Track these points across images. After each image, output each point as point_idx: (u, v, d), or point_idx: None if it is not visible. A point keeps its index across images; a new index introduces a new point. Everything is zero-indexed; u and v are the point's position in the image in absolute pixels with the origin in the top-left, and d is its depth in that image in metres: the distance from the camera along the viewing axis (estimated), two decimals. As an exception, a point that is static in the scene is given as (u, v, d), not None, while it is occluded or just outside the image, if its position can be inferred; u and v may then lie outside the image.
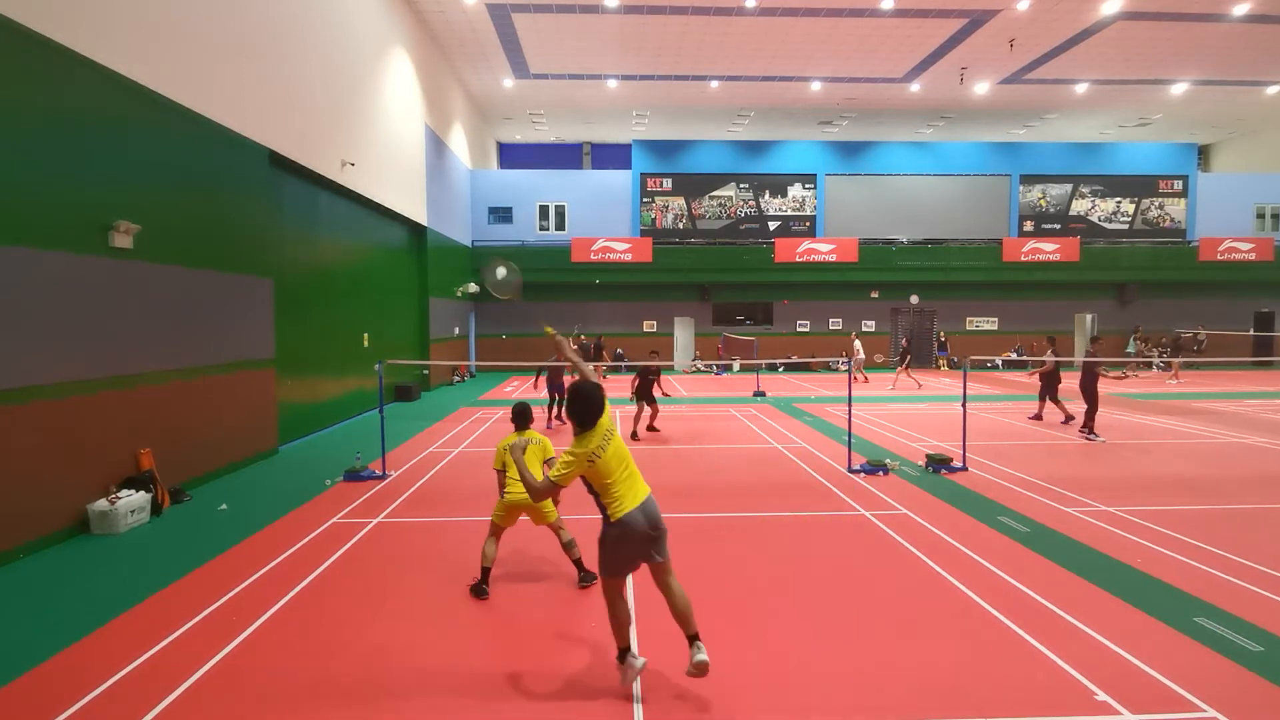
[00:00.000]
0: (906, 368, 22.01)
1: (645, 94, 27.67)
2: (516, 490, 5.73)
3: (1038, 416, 14.83)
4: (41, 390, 7.01)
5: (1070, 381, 14.49)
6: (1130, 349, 27.32)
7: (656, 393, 13.95)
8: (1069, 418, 14.22)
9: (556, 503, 6.02)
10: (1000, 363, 14.27)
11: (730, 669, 4.52)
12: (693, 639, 4.21)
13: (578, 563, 5.86)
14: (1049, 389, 14.60)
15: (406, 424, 14.53)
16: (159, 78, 8.84)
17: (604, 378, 23.92)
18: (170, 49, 9.13)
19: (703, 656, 4.13)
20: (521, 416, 6.17)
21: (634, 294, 29.72)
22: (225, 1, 10.44)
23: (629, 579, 4.62)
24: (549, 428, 14.07)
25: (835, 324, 30.57)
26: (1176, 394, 19.94)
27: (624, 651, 4.31)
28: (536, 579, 6.11)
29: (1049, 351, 14.79)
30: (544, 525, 5.98)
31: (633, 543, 4.22)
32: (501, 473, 5.86)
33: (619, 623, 4.32)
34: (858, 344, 23.99)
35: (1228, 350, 28.78)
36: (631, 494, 4.25)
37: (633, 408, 14.09)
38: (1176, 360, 24.46)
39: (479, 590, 5.68)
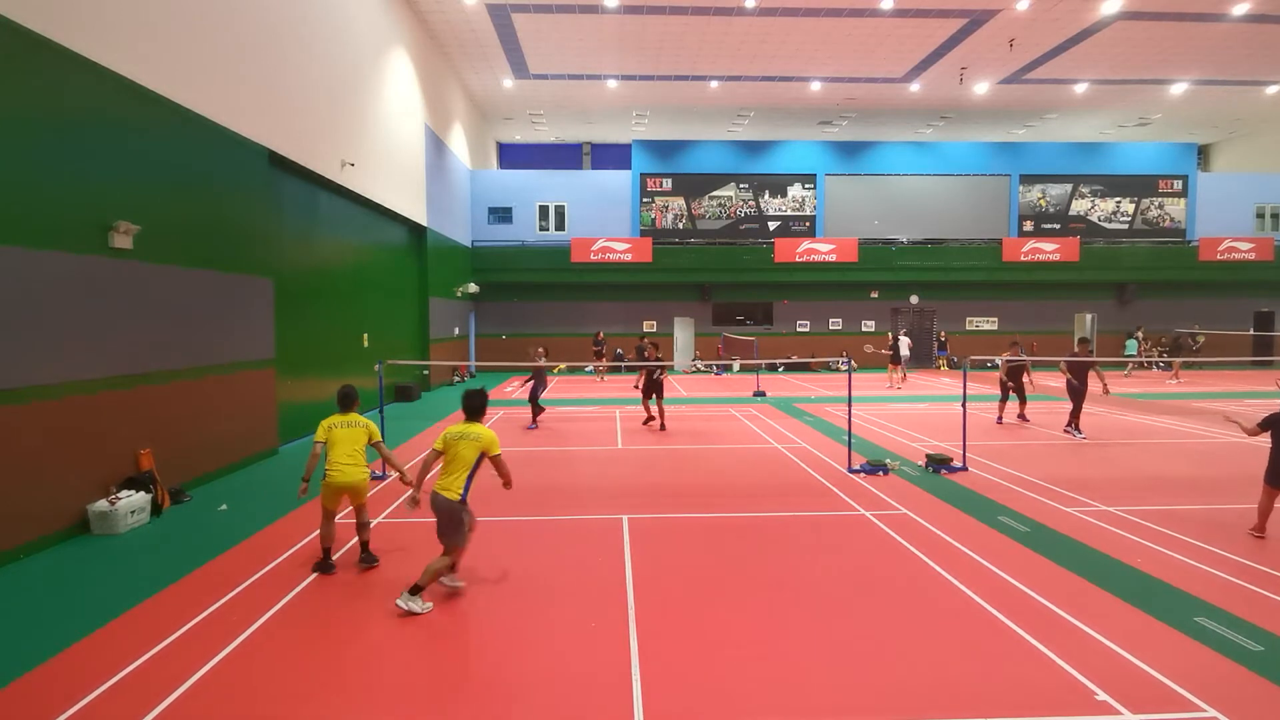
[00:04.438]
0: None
1: (645, 94, 27.66)
2: (334, 472, 6.19)
3: (1021, 416, 14.87)
4: (42, 390, 7.02)
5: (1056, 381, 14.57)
6: (1132, 349, 27.30)
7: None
8: (999, 418, 14.65)
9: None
10: (999, 361, 14.24)
11: (730, 668, 4.53)
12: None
13: (364, 545, 6.44)
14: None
15: (407, 424, 14.53)
16: (159, 78, 8.84)
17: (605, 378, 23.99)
18: (170, 49, 9.13)
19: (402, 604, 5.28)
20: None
21: (634, 294, 29.72)
22: (225, 1, 10.44)
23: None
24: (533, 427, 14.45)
25: (835, 324, 30.58)
26: (1176, 394, 19.94)
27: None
28: (538, 582, 6.11)
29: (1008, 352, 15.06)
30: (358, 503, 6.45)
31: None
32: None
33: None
34: (904, 342, 24.04)
35: (1228, 350, 28.76)
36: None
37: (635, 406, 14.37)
38: (1177, 360, 24.47)
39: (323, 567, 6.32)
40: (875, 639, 4.93)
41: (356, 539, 6.54)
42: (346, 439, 6.24)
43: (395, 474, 6.44)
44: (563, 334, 28.97)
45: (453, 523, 5.50)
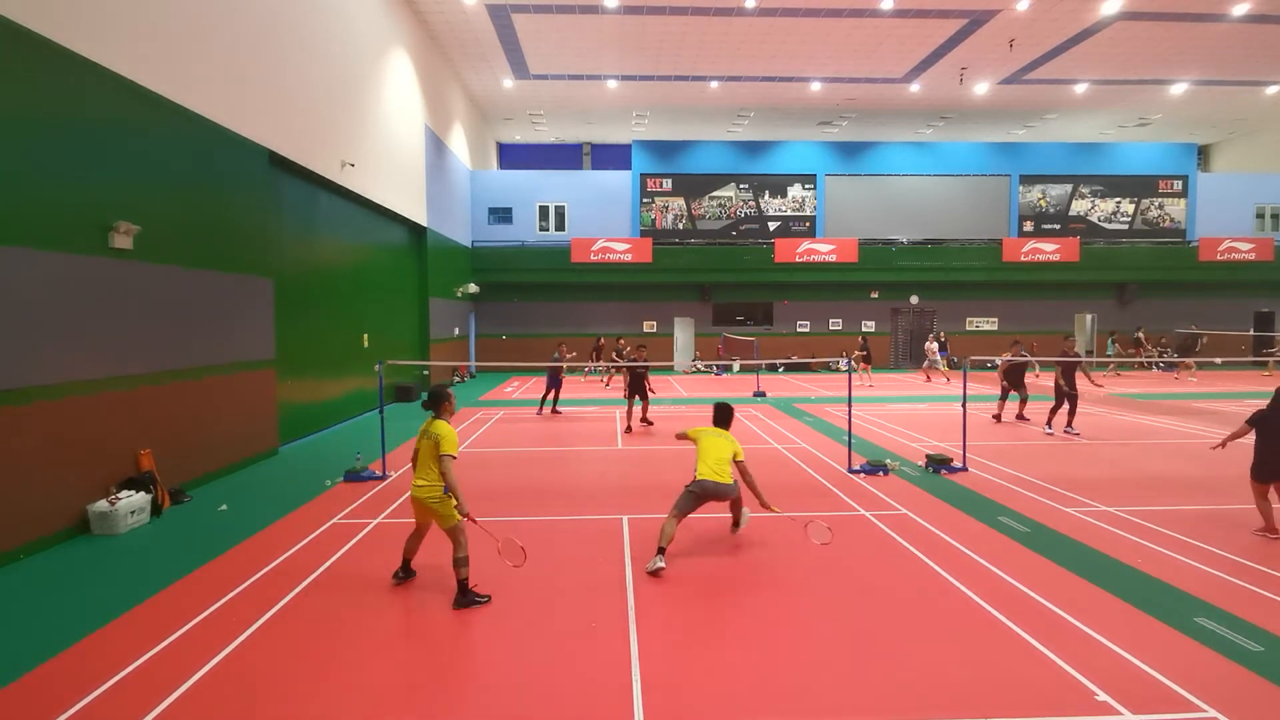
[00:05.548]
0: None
1: (645, 94, 27.67)
2: (416, 484, 5.70)
3: (1021, 416, 14.88)
4: (42, 390, 7.02)
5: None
6: (1110, 350, 27.23)
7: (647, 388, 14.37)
8: (998, 416, 14.75)
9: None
10: (998, 361, 14.35)
11: (730, 669, 4.53)
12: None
13: (462, 583, 5.56)
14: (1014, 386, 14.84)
15: (407, 424, 14.49)
16: (159, 78, 8.84)
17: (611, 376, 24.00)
18: (170, 50, 9.13)
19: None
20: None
21: (634, 294, 29.73)
22: (226, 2, 10.45)
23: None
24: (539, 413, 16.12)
25: (835, 324, 30.58)
26: (1176, 394, 19.94)
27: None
28: (538, 582, 6.11)
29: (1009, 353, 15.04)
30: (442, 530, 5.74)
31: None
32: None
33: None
34: (933, 346, 24.21)
35: (1229, 350, 28.73)
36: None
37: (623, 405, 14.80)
38: (1189, 360, 24.49)
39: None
40: (875, 639, 4.93)
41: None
42: (422, 451, 5.77)
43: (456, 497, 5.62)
44: (563, 334, 28.95)
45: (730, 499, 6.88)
